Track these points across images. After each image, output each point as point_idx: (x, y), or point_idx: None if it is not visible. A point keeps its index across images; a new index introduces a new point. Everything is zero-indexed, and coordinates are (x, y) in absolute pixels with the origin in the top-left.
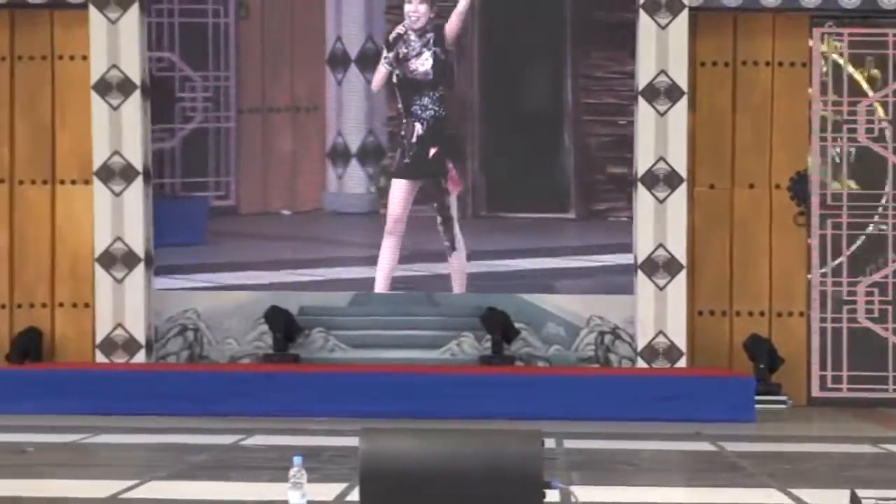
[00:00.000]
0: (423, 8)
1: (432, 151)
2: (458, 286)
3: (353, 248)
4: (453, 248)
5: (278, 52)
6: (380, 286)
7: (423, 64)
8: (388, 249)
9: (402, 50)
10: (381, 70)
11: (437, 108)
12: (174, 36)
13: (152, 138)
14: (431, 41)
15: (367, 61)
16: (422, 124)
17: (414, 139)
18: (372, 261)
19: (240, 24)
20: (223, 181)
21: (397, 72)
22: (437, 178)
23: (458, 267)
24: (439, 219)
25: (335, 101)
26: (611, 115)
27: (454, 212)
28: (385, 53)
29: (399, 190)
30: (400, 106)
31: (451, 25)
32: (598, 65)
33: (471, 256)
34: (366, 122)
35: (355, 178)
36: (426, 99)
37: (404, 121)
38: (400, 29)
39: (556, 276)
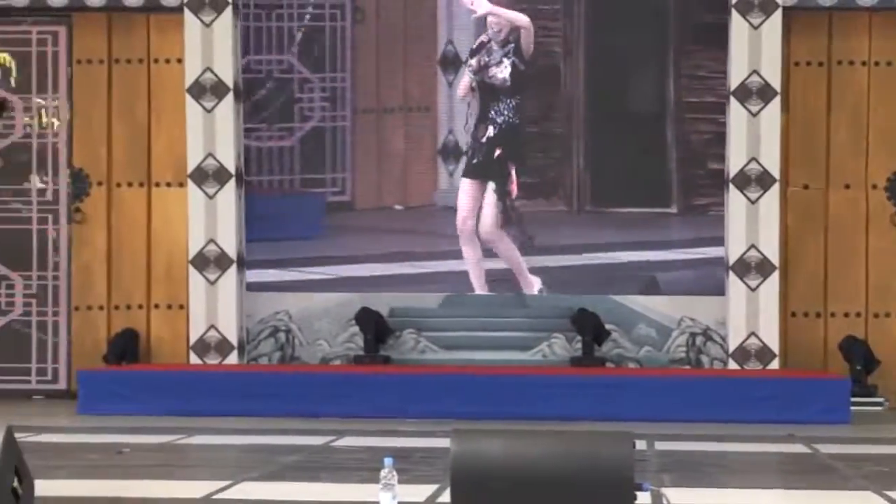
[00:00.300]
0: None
1: (497, 153)
2: (530, 285)
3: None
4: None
5: (392, 55)
6: (473, 281)
7: (502, 72)
8: (465, 247)
9: (485, 58)
10: (465, 78)
11: (510, 115)
12: (293, 39)
13: (272, 138)
14: (511, 51)
15: (456, 64)
16: (494, 128)
17: (484, 140)
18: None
19: (356, 27)
20: (339, 178)
21: (477, 77)
22: (500, 180)
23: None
24: (502, 217)
25: (446, 102)
26: (711, 113)
27: (514, 212)
28: (469, 62)
29: (466, 189)
30: (477, 109)
31: (524, 40)
32: (700, 64)
33: (580, 249)
34: None
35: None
36: (501, 105)
37: (478, 124)
38: (483, 38)
39: (658, 269)
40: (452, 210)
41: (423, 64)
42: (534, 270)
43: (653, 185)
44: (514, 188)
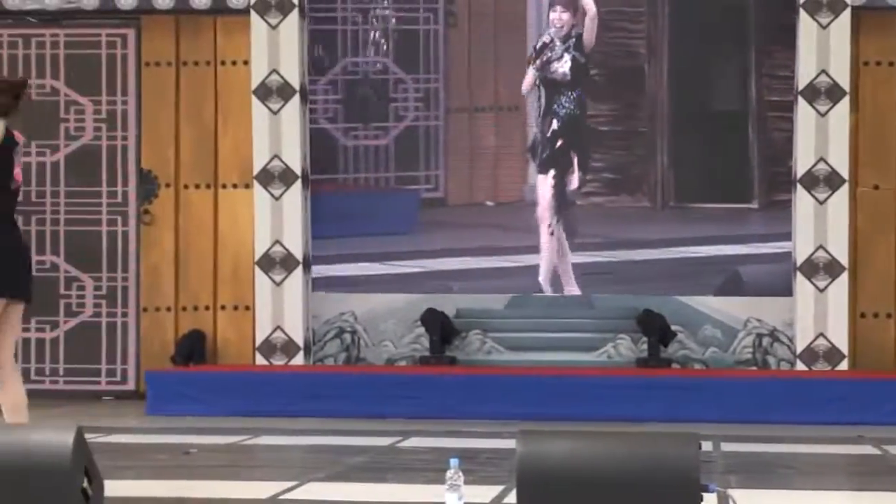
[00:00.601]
0: (566, 16)
1: (559, 144)
2: (571, 283)
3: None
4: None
5: (483, 57)
6: (542, 276)
7: (563, 66)
8: (543, 242)
9: (547, 54)
10: (529, 75)
11: (572, 108)
12: (388, 42)
13: (368, 137)
14: (572, 46)
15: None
16: (557, 121)
17: (549, 134)
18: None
19: (448, 31)
20: (433, 175)
21: (540, 74)
22: (564, 172)
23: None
24: (558, 209)
25: (535, 101)
26: (791, 112)
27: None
28: (533, 60)
29: (540, 184)
30: (542, 104)
31: (587, 32)
32: (782, 64)
33: (663, 244)
34: None
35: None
36: (563, 98)
37: (544, 118)
38: (546, 38)
39: (738, 263)
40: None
41: (512, 65)
42: (613, 265)
43: (734, 181)
44: (574, 178)
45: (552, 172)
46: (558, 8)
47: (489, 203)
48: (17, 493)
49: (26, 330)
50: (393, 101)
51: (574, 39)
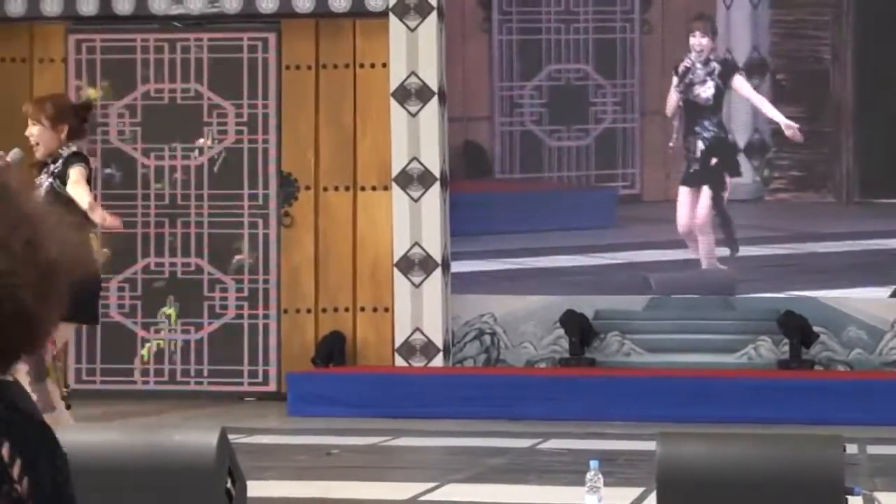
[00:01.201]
0: (705, 41)
1: (713, 162)
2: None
3: (744, 230)
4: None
5: (675, 62)
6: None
7: (706, 91)
8: (694, 250)
9: (690, 77)
10: (672, 97)
11: (716, 130)
12: (588, 50)
13: (570, 138)
14: (715, 72)
15: (753, 70)
16: (703, 142)
17: (697, 154)
18: (753, 241)
19: (643, 38)
20: (629, 173)
21: (683, 95)
22: (716, 186)
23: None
24: (719, 222)
25: (726, 105)
26: None
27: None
28: (675, 83)
29: (684, 196)
30: (684, 124)
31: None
32: None
33: (848, 237)
34: (752, 122)
35: (743, 170)
36: (706, 122)
37: (687, 136)
38: (687, 62)
39: None
40: (731, 202)
41: None
42: (801, 257)
43: None
44: (726, 195)
45: (699, 186)
46: (697, 33)
47: None
48: (162, 494)
49: (172, 332)
50: (592, 104)
51: (717, 66)
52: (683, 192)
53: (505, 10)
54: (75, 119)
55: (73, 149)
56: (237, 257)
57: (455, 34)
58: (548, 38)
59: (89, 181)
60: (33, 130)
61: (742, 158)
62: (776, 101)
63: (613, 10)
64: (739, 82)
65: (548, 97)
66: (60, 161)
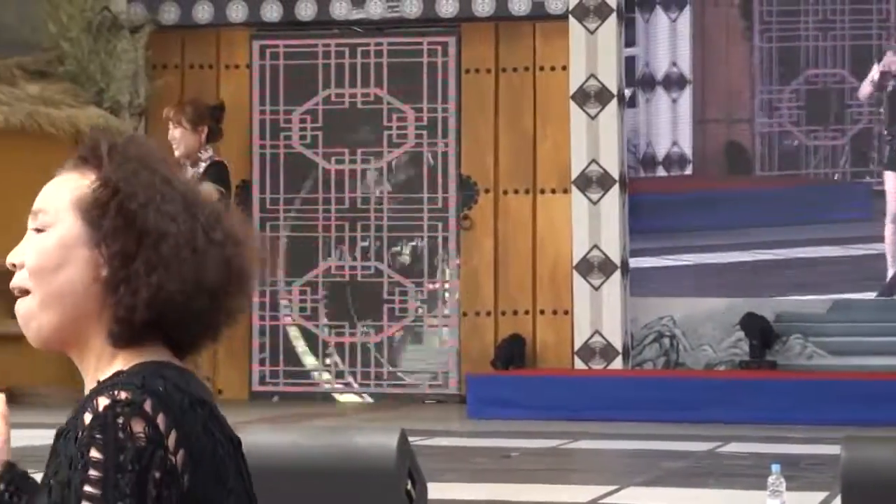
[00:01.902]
0: None
1: None
2: None
3: None
4: None
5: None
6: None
7: None
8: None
9: (891, 82)
10: (867, 87)
11: None
12: (844, 55)
13: (826, 137)
14: None
15: None
16: None
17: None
18: None
19: None
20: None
21: (878, 93)
22: None
23: None
24: None
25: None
26: None
27: None
28: (873, 81)
29: (890, 181)
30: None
31: None
32: None
33: None
34: None
35: None
36: None
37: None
38: (882, 67)
39: None
40: None
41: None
42: None
43: None
44: None
45: None
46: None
47: None
48: (343, 496)
49: (353, 335)
50: (848, 107)
51: None
52: (889, 178)
53: (765, 19)
54: (212, 121)
55: (212, 153)
56: (399, 258)
57: (716, 42)
58: (806, 45)
59: (228, 185)
60: (175, 133)
61: None
62: None
63: (870, 18)
64: None
65: (804, 100)
66: (201, 168)
